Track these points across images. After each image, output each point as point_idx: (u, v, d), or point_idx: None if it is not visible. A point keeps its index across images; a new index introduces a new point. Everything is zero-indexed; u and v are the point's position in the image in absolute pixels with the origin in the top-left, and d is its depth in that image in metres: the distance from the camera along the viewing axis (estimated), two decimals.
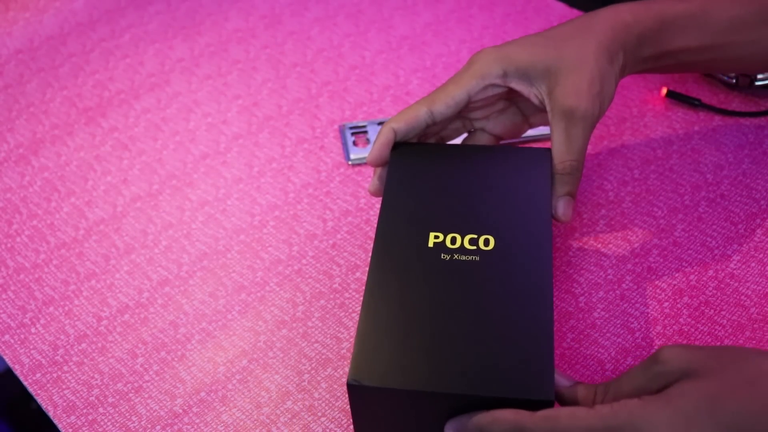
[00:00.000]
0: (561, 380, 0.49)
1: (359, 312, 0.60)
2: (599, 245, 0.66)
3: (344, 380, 0.58)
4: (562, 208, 0.57)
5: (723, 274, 0.63)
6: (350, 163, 0.74)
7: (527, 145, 0.75)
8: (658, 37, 0.59)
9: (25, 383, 0.60)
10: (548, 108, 0.58)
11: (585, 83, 0.56)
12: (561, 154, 0.57)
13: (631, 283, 0.63)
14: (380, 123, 0.77)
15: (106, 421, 0.57)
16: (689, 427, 0.41)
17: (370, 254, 0.67)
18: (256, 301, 0.64)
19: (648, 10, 0.59)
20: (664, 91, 0.78)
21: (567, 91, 0.56)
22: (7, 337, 0.63)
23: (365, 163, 0.74)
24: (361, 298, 0.64)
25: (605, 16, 0.59)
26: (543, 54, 0.57)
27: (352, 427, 0.56)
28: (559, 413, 0.44)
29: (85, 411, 0.58)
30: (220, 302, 0.64)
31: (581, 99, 0.56)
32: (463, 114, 0.62)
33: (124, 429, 0.57)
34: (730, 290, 0.62)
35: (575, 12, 0.88)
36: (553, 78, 0.57)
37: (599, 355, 0.58)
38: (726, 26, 0.59)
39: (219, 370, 0.60)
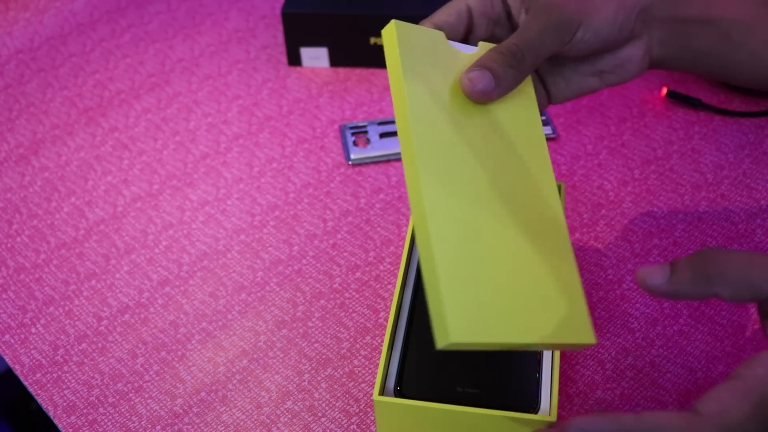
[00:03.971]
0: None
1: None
2: (599, 245, 0.66)
3: (344, 380, 0.58)
4: (468, 75, 0.48)
5: None
6: (350, 163, 0.74)
7: None
8: None
9: (26, 383, 0.60)
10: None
11: None
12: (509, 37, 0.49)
13: (631, 283, 0.63)
14: (380, 123, 0.77)
15: (106, 421, 0.57)
16: None
17: (371, 253, 0.67)
18: (257, 301, 0.64)
19: None
20: (664, 91, 0.78)
21: None
22: (7, 337, 0.63)
23: (366, 162, 0.74)
24: (362, 299, 0.64)
25: None
26: None
27: (352, 427, 0.56)
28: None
29: (85, 411, 0.58)
30: (220, 302, 0.64)
31: (558, 1, 0.49)
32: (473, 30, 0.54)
33: (124, 429, 0.57)
34: None
35: None
36: None
37: (599, 355, 0.58)
38: None
39: (219, 370, 0.60)
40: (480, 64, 0.48)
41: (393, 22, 0.48)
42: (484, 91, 0.48)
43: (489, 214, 0.45)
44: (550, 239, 0.47)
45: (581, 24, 0.49)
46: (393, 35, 0.47)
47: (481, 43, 0.51)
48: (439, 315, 0.41)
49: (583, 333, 0.45)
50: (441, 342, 0.40)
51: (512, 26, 0.54)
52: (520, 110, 0.50)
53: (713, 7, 0.52)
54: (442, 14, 0.52)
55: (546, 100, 0.56)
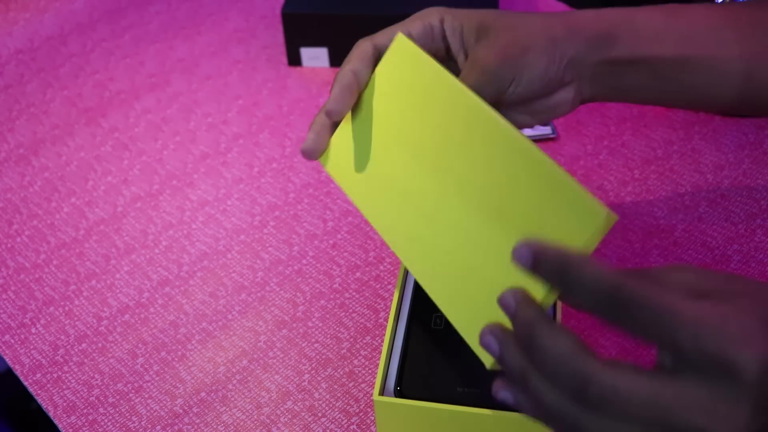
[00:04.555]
0: None
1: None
2: (600, 245, 0.66)
3: (344, 380, 0.58)
4: None
5: None
6: None
7: None
8: (629, 38, 0.54)
9: (26, 383, 0.60)
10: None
11: (503, 42, 0.52)
12: None
13: None
14: None
15: (106, 421, 0.57)
16: None
17: (371, 253, 0.67)
18: (257, 301, 0.64)
19: (616, 10, 0.55)
20: None
21: (485, 45, 0.52)
22: (7, 337, 0.63)
23: None
24: (362, 299, 0.64)
25: (566, 13, 0.55)
26: (482, 14, 0.54)
27: (352, 427, 0.56)
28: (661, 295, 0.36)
29: (85, 411, 0.58)
30: (220, 302, 0.64)
31: (491, 54, 0.51)
32: None
33: (124, 429, 0.57)
34: None
35: None
36: (482, 34, 0.53)
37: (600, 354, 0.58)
38: (704, 35, 0.54)
39: (219, 371, 0.60)
40: None
41: (401, 36, 0.52)
42: None
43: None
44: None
45: (513, 79, 0.52)
46: (411, 45, 0.51)
47: (399, 34, 0.52)
48: (574, 205, 0.40)
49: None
50: (593, 227, 0.39)
51: (450, 62, 0.56)
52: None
53: (640, 48, 0.54)
54: (384, 37, 0.54)
55: None
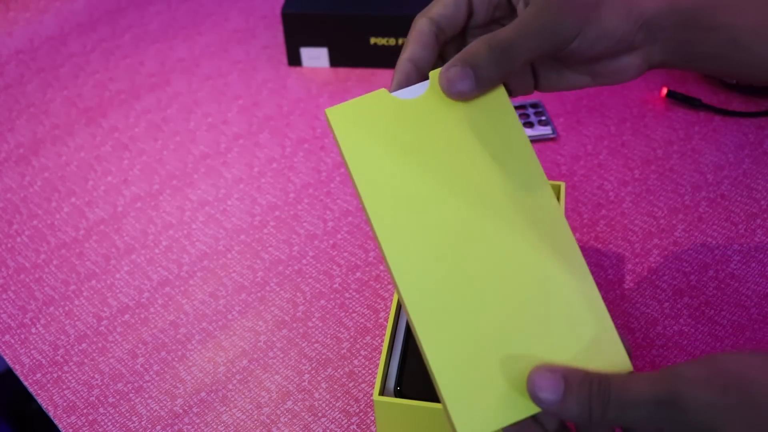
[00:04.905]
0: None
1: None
2: (599, 245, 0.66)
3: (344, 380, 0.58)
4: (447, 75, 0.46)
5: (723, 274, 0.63)
6: None
7: None
8: (711, 2, 0.50)
9: (26, 383, 0.60)
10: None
11: None
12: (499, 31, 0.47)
13: (631, 283, 0.63)
14: None
15: (106, 421, 0.57)
16: None
17: (371, 253, 0.67)
18: (257, 301, 0.64)
19: None
20: (664, 91, 0.78)
21: None
22: (7, 337, 0.63)
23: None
24: (362, 299, 0.64)
25: None
26: None
27: (352, 427, 0.56)
28: None
29: (85, 411, 0.58)
30: (220, 302, 0.64)
31: (561, 2, 0.47)
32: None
33: (124, 429, 0.57)
34: (730, 290, 0.62)
35: None
36: None
37: None
38: None
39: (219, 371, 0.60)
40: (463, 59, 0.46)
41: (326, 111, 0.46)
42: (462, 92, 0.46)
43: (477, 279, 0.43)
44: (558, 267, 0.43)
45: (579, 33, 0.48)
46: (330, 124, 0.46)
47: (431, 73, 0.47)
48: (446, 413, 0.40)
49: (616, 361, 0.41)
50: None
51: (511, 9, 0.52)
52: (495, 113, 0.47)
53: (720, 14, 0.51)
54: (439, 7, 0.50)
55: (532, 87, 0.54)
